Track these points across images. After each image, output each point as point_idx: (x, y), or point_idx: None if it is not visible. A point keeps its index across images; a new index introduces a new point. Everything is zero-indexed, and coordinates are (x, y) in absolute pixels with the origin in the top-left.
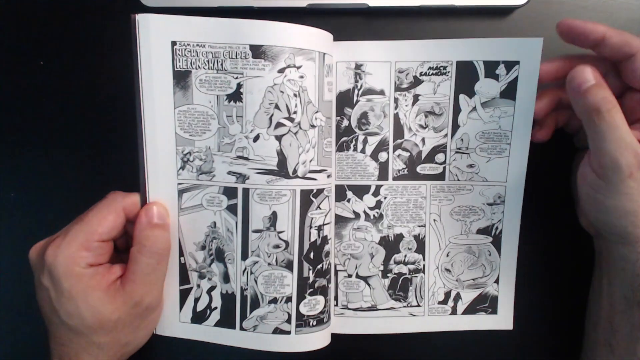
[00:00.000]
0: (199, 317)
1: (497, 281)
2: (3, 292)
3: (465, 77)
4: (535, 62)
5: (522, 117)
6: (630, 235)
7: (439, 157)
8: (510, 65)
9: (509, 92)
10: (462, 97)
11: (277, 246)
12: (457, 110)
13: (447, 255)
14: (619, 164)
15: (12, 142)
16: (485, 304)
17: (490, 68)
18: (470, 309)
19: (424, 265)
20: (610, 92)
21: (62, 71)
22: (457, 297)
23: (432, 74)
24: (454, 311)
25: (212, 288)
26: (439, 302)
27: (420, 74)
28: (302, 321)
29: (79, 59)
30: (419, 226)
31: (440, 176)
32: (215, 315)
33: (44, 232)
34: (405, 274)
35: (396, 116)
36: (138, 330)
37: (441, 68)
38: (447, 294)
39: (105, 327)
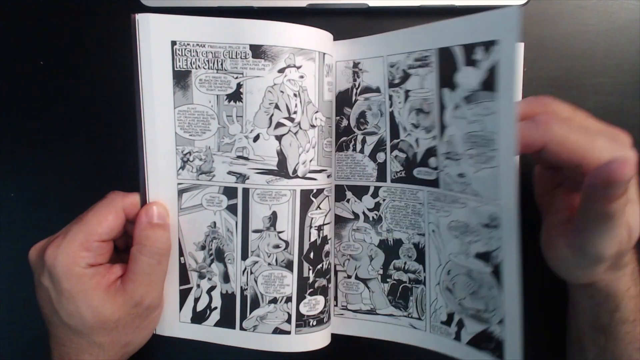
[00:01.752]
0: (198, 317)
1: (501, 322)
2: (3, 292)
3: (446, 67)
4: (514, 39)
5: (506, 117)
6: (581, 279)
7: (432, 161)
8: (488, 46)
9: (490, 84)
10: (444, 91)
11: (277, 246)
12: (442, 107)
13: (448, 274)
14: (604, 257)
15: (12, 142)
16: (490, 344)
17: (469, 53)
18: (475, 343)
19: (424, 277)
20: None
21: (62, 71)
22: (461, 323)
23: (418, 66)
24: (457, 337)
25: (212, 288)
26: (442, 322)
27: (409, 67)
28: (302, 321)
29: (79, 59)
30: (419, 234)
31: (435, 183)
32: (215, 315)
33: (44, 232)
34: (405, 282)
35: (391, 114)
36: (139, 331)
37: (424, 58)
38: (450, 316)
39: (105, 327)
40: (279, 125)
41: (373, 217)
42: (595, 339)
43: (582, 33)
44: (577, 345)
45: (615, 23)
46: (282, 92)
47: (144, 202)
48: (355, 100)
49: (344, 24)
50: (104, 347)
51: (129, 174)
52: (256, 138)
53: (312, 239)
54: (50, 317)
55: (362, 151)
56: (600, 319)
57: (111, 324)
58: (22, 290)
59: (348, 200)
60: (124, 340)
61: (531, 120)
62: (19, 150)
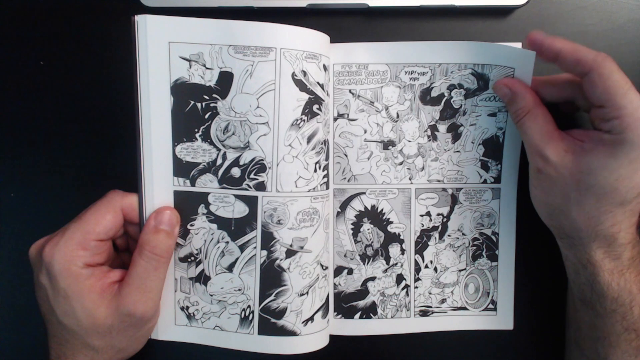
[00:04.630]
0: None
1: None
2: (3, 292)
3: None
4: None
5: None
6: (573, 238)
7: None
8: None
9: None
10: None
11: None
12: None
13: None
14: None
15: (12, 142)
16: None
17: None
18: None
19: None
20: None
21: (63, 71)
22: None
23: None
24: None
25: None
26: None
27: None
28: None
29: (79, 59)
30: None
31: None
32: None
33: (44, 232)
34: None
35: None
36: (133, 339)
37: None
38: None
39: (99, 330)
40: None
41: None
42: (585, 315)
43: (582, 33)
44: (574, 323)
45: (615, 23)
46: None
47: (141, 202)
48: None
49: (344, 24)
50: (97, 350)
51: (129, 174)
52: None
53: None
54: (47, 316)
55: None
56: (584, 292)
57: (104, 328)
58: (22, 290)
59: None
60: (118, 346)
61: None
62: (19, 150)
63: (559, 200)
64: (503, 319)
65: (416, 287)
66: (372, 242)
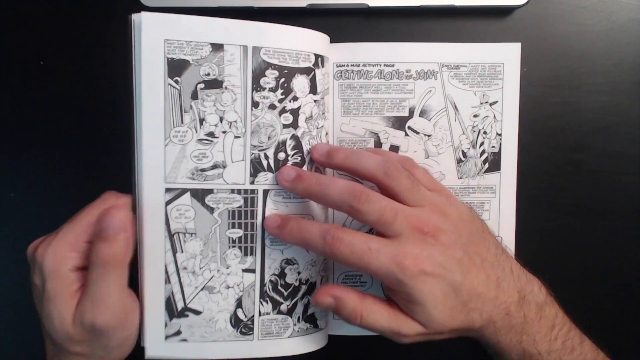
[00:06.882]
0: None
1: None
2: (3, 292)
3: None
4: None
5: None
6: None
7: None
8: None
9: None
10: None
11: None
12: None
13: None
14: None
15: (12, 142)
16: None
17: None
18: None
19: None
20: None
21: (62, 71)
22: None
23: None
24: None
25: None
26: None
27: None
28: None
29: (79, 59)
30: None
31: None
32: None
33: (43, 232)
34: None
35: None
36: (110, 349)
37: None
38: None
39: (72, 339)
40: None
41: None
42: None
43: (582, 33)
44: None
45: (615, 23)
46: None
47: (135, 205)
48: None
49: (344, 24)
50: (81, 355)
51: (128, 174)
52: None
53: None
54: (40, 316)
55: None
56: None
57: (77, 337)
58: (22, 290)
59: None
60: (100, 354)
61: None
62: (19, 150)
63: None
64: None
65: None
66: None
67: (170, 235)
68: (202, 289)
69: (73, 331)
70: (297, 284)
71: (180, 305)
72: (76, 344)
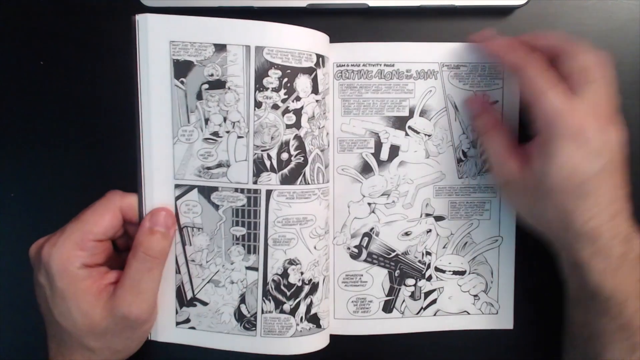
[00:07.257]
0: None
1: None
2: (3, 292)
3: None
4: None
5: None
6: (558, 241)
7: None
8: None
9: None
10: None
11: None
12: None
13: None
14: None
15: (12, 142)
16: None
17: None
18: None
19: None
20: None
21: (62, 71)
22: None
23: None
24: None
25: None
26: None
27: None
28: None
29: (80, 59)
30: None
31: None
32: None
33: (44, 232)
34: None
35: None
36: (129, 341)
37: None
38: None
39: (94, 332)
40: None
41: None
42: (574, 314)
43: (582, 33)
44: (568, 320)
45: (615, 23)
46: None
47: (140, 203)
48: None
49: (343, 24)
50: (94, 351)
51: (129, 174)
52: None
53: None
54: (46, 315)
55: None
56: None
57: (100, 330)
58: (22, 290)
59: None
60: (114, 348)
61: (520, 49)
62: (19, 150)
63: (529, 208)
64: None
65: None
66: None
67: (180, 229)
68: (208, 282)
69: (100, 324)
70: (299, 284)
71: (189, 294)
72: (97, 338)
